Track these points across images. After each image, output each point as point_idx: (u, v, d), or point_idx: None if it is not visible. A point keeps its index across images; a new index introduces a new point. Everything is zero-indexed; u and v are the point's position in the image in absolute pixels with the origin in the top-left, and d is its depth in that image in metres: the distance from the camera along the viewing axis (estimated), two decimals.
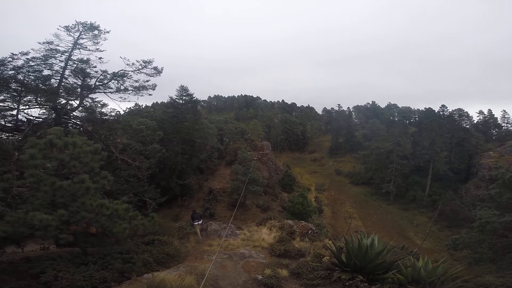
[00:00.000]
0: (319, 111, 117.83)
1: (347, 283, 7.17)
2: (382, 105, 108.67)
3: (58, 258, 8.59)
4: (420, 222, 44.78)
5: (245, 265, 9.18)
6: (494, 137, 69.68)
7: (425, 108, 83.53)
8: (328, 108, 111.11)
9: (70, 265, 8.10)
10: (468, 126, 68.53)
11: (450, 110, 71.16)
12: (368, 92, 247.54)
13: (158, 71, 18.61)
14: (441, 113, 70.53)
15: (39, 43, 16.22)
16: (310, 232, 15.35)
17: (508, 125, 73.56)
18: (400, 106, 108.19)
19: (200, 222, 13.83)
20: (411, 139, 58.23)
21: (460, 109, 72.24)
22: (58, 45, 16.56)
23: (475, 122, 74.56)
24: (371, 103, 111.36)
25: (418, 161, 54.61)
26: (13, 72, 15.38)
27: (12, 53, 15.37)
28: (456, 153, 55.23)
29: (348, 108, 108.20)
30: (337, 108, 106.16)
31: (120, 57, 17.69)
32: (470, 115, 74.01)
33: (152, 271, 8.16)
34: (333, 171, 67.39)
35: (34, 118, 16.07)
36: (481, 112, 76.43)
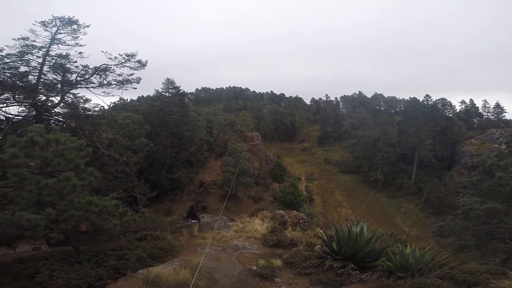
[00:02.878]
0: (307, 101, 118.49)
1: (339, 271, 7.38)
2: (369, 95, 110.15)
3: (51, 258, 8.44)
4: (407, 209, 46.26)
5: (239, 257, 9.28)
6: (475, 126, 72.32)
7: (410, 97, 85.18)
8: (316, 98, 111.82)
9: (64, 264, 7.99)
10: (451, 115, 70.80)
11: (434, 100, 73.51)
12: (355, 83, 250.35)
13: (142, 64, 18.12)
14: (425, 102, 72.59)
15: (14, 39, 15.51)
16: (301, 221, 15.63)
17: (488, 114, 76.22)
18: (386, 96, 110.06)
19: (195, 221, 13.71)
20: (397, 128, 59.62)
21: (443, 99, 74.57)
22: (34, 41, 15.92)
23: (457, 111, 76.86)
24: (358, 93, 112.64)
25: (404, 149, 56.17)
26: None
27: None
28: (440, 141, 57.10)
29: (336, 98, 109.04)
30: (325, 98, 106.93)
31: (102, 51, 17.12)
32: (453, 105, 76.57)
33: (147, 266, 8.14)
34: (322, 160, 68.39)
35: (13, 116, 15.44)
36: (463, 102, 78.99)
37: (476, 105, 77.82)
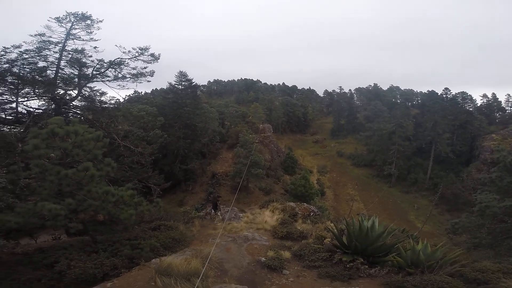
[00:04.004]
0: (320, 93, 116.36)
1: (348, 265, 7.42)
2: (384, 88, 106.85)
3: (70, 247, 8.90)
4: (421, 205, 45.15)
5: (248, 248, 9.48)
6: (497, 120, 68.75)
7: (428, 90, 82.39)
8: (330, 90, 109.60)
9: (82, 253, 8.40)
10: (471, 109, 67.78)
11: (454, 93, 70.70)
12: (370, 75, 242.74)
13: (155, 58, 18.35)
14: (444, 95, 69.85)
15: (31, 35, 16.00)
16: (312, 214, 15.66)
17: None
18: (402, 88, 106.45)
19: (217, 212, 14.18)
20: (413, 121, 57.79)
21: (463, 92, 71.35)
22: (50, 37, 16.35)
23: (478, 105, 73.38)
24: (373, 85, 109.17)
25: (420, 143, 54.51)
26: (7, 65, 15.26)
27: (4, 47, 15.22)
28: (459, 135, 54.94)
29: (350, 90, 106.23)
30: (338, 90, 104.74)
31: (116, 45, 17.45)
32: (473, 98, 73.14)
33: (160, 256, 8.46)
34: (335, 153, 67.51)
35: (34, 109, 16.09)
36: (484, 96, 74.99)
37: (499, 99, 74.01)
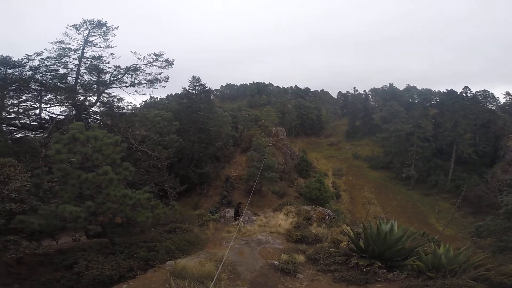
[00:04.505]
0: (334, 95, 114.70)
1: (364, 269, 7.22)
2: (400, 88, 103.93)
3: (89, 249, 9.21)
4: (443, 208, 43.42)
5: (262, 251, 9.43)
6: None
7: (447, 89, 79.42)
8: (344, 91, 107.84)
9: (100, 255, 8.66)
10: (493, 108, 64.95)
11: (474, 92, 67.79)
12: (385, 76, 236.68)
13: (169, 63, 18.84)
14: (464, 94, 67.16)
15: (51, 43, 16.81)
16: (327, 217, 15.39)
17: None
18: (419, 88, 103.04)
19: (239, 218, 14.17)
20: (432, 121, 55.67)
21: (484, 91, 68.63)
22: (69, 44, 17.13)
23: (501, 103, 70.38)
24: (388, 85, 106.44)
25: (440, 144, 52.44)
26: (30, 72, 16.15)
27: (27, 54, 16.11)
28: (481, 135, 52.33)
29: (365, 91, 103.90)
30: (352, 92, 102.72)
31: (131, 51, 18.10)
32: (496, 97, 70.18)
33: (174, 258, 8.57)
34: (351, 155, 66.18)
35: (56, 115, 16.91)
36: (507, 94, 71.56)
37: None
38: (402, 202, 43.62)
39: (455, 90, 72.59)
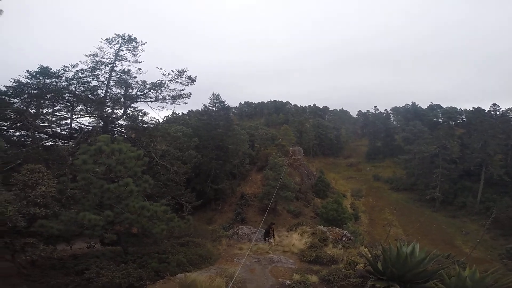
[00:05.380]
0: (354, 114, 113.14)
1: None
2: (424, 106, 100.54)
3: (102, 256, 9.42)
4: (470, 230, 40.52)
5: (273, 270, 9.18)
6: None
7: (474, 107, 76.19)
8: (364, 110, 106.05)
9: (112, 263, 8.83)
10: None
11: (503, 109, 64.33)
12: (406, 95, 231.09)
13: (192, 80, 19.62)
14: (492, 112, 63.91)
15: (86, 55, 17.94)
16: (344, 239, 14.79)
17: None
18: (444, 106, 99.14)
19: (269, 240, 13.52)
20: (458, 142, 53.02)
21: None
22: (102, 57, 18.16)
23: None
24: (410, 104, 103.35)
25: (468, 165, 49.46)
26: (65, 83, 17.17)
27: (64, 66, 17.22)
28: None
29: (386, 110, 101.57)
30: (373, 111, 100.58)
31: (157, 67, 18.99)
32: None
33: (185, 271, 8.56)
34: (371, 176, 63.97)
35: (85, 126, 17.81)
36: None
37: None
38: (425, 224, 41.14)
39: (483, 108, 69.56)
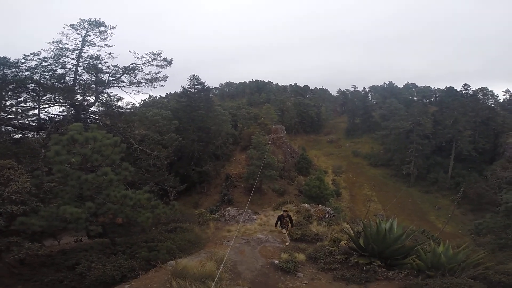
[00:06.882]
0: (334, 92, 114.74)
1: (364, 268, 7.26)
2: (400, 85, 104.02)
3: (90, 249, 9.23)
4: (442, 205, 43.53)
5: (262, 250, 9.47)
6: None
7: (446, 87, 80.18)
8: (343, 89, 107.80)
9: (101, 255, 8.69)
10: (493, 105, 65.34)
11: (474, 89, 68.61)
12: (384, 73, 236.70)
13: (168, 62, 18.78)
14: (463, 92, 67.64)
15: (48, 42, 16.68)
16: (327, 216, 15.44)
17: None
18: (419, 85, 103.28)
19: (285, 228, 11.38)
20: (431, 118, 55.70)
21: (484, 88, 69.19)
22: (67, 44, 16.98)
23: (500, 101, 71.39)
24: (388, 83, 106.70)
25: (440, 141, 52.50)
26: (28, 73, 16.01)
27: (25, 55, 15.99)
28: (481, 133, 52.39)
29: (364, 88, 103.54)
30: (352, 89, 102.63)
31: (129, 51, 18.00)
32: (495, 94, 71.09)
33: (175, 258, 8.61)
34: (350, 152, 66.21)
35: (55, 116, 16.86)
36: (507, 91, 72.17)
37: None
38: (402, 200, 43.71)
39: (455, 88, 73.54)
